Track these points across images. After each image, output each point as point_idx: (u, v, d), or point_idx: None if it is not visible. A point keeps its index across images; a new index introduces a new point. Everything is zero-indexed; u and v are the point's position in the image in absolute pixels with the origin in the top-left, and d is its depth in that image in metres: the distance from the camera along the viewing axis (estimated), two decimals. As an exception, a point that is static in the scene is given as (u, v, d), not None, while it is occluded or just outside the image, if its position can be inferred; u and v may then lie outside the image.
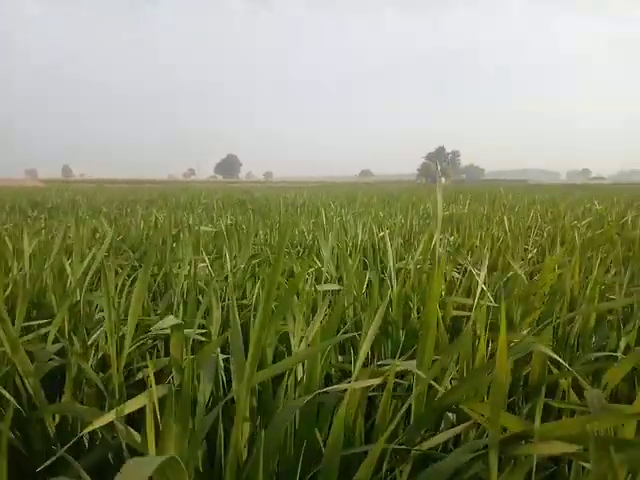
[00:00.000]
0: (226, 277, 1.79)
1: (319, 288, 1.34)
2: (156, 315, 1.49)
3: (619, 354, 1.16)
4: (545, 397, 1.03)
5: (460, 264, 1.73)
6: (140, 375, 1.21)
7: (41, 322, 1.28)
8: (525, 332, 1.21)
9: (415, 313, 1.42)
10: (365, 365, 1.04)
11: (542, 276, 1.30)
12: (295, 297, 1.22)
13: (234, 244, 2.32)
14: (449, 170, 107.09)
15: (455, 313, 1.47)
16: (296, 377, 0.93)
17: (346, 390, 0.73)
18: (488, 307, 1.34)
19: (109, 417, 0.65)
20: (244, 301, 1.60)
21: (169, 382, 0.97)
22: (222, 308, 1.54)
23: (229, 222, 3.38)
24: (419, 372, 0.81)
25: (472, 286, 1.75)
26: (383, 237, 2.59)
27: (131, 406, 0.67)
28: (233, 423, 0.64)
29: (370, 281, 1.59)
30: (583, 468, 0.68)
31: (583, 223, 3.64)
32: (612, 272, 1.83)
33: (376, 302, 1.07)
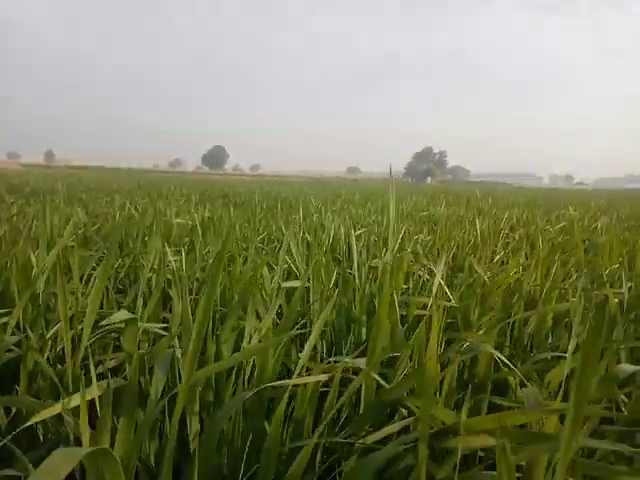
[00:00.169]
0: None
1: (283, 285, 1.36)
2: (121, 308, 1.49)
3: (568, 355, 1.20)
4: (497, 395, 1.06)
5: (424, 265, 1.76)
6: (101, 369, 1.21)
7: (1, 312, 1.27)
8: (481, 332, 1.24)
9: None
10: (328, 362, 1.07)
11: (499, 278, 1.34)
12: (259, 294, 1.23)
13: (209, 237, 2.32)
14: (435, 170, 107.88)
15: (419, 312, 1.51)
16: (253, 372, 0.94)
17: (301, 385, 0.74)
18: (446, 307, 1.38)
19: (54, 410, 0.66)
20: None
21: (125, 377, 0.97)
22: (190, 302, 1.55)
23: (207, 215, 3.37)
24: (367, 368, 0.83)
25: (440, 287, 1.78)
26: (358, 235, 2.62)
27: (76, 399, 0.68)
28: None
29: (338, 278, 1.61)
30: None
31: (557, 227, 3.72)
32: (574, 276, 1.89)
33: (326, 296, 1.09)
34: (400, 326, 1.19)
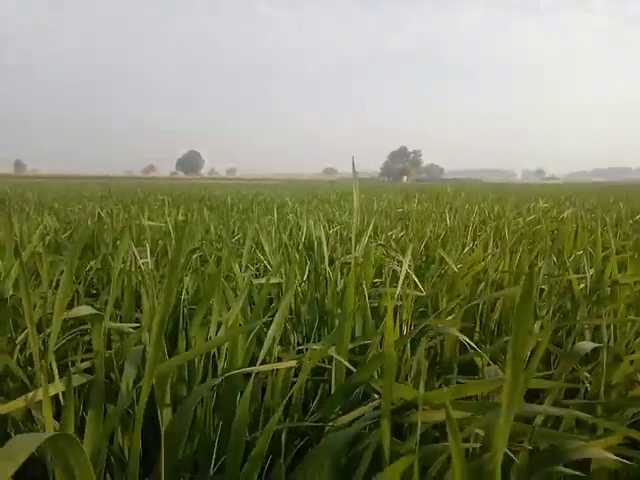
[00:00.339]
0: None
1: (255, 282, 1.37)
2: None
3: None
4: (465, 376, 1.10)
5: (395, 257, 1.80)
6: (75, 370, 1.20)
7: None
8: (449, 318, 1.28)
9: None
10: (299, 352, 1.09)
11: (464, 265, 1.38)
12: (229, 289, 1.24)
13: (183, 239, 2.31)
14: (410, 169, 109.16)
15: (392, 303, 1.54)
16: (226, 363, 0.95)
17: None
18: (418, 296, 1.41)
19: (18, 404, 0.66)
20: (183, 296, 1.60)
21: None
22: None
23: (181, 218, 3.35)
24: (337, 356, 0.86)
25: (410, 278, 1.82)
26: (334, 233, 2.65)
27: (38, 394, 0.68)
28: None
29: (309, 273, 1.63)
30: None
31: (527, 220, 3.82)
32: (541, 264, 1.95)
33: (293, 287, 1.11)
34: (370, 315, 1.22)
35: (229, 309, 1.13)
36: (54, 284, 1.60)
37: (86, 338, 1.38)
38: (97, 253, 2.17)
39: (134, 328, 1.23)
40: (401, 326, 1.18)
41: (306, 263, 1.73)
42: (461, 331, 1.03)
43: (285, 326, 1.35)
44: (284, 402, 0.66)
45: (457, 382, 1.00)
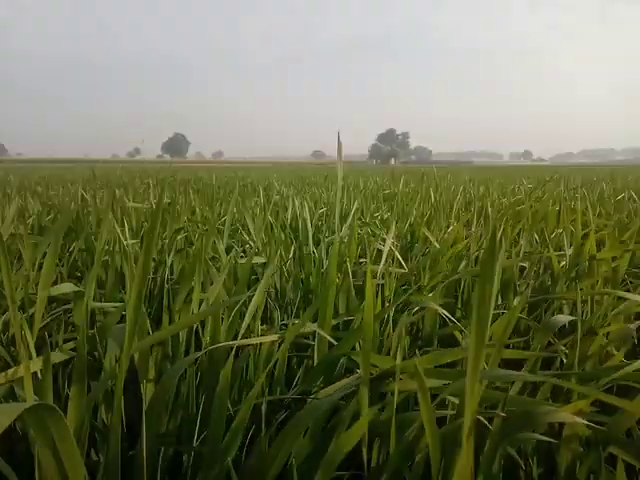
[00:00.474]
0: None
1: (240, 261, 1.38)
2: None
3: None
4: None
5: (379, 235, 1.81)
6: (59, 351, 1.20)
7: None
8: (430, 294, 1.30)
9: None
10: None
11: (445, 241, 1.40)
12: (213, 267, 1.25)
13: (167, 221, 2.29)
14: (399, 151, 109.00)
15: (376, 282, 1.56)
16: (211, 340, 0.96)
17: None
18: (402, 274, 1.43)
19: None
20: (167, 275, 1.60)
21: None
22: (150, 281, 1.55)
23: (166, 201, 3.32)
24: (319, 330, 0.87)
25: (395, 257, 1.84)
26: (320, 214, 2.66)
27: (19, 370, 0.68)
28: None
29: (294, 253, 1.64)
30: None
31: (512, 200, 3.86)
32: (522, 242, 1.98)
33: (275, 261, 1.11)
34: (354, 293, 1.24)
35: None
36: (37, 266, 1.58)
37: (71, 320, 1.38)
38: (80, 235, 2.15)
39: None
40: (383, 302, 1.20)
41: (292, 243, 1.74)
42: (442, 306, 1.05)
43: (269, 304, 1.36)
44: (265, 373, 0.67)
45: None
